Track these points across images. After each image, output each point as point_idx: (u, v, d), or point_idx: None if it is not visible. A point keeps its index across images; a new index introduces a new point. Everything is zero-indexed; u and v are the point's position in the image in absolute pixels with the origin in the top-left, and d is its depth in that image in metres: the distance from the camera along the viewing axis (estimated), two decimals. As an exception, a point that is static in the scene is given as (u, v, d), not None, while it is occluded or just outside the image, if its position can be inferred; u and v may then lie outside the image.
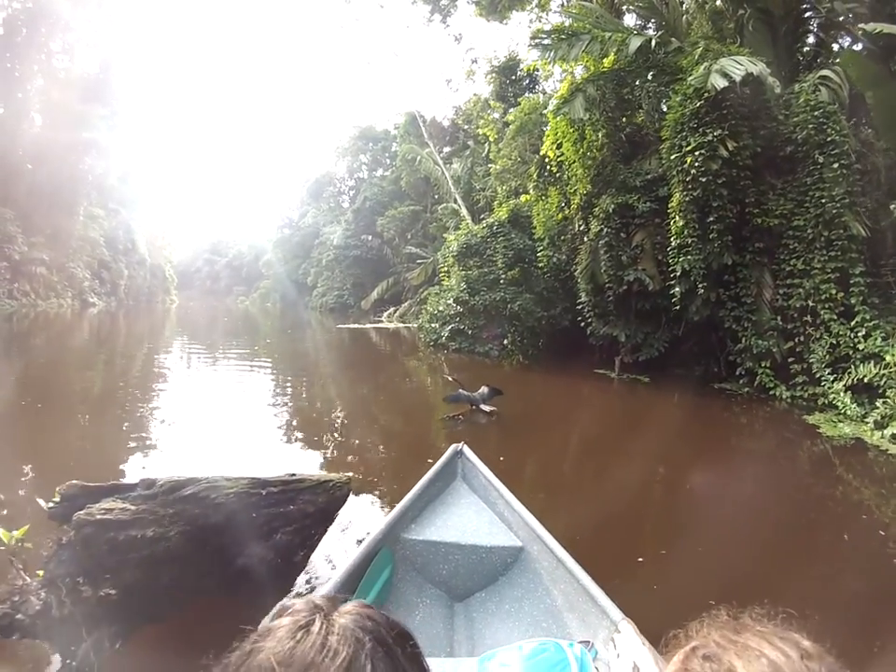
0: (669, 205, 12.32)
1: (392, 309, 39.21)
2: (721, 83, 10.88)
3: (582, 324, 15.02)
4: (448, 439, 7.56)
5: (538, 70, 24.03)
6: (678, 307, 12.46)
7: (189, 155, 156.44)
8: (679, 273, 12.05)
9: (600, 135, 14.54)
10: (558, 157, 15.25)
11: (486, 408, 9.46)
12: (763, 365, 11.71)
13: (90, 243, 43.53)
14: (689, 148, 11.57)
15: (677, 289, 12.23)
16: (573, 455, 8.64)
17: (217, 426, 8.67)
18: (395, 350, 23.71)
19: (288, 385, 13.61)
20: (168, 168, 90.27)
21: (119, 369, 15.12)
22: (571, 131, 14.56)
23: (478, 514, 3.69)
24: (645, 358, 13.96)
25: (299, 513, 4.14)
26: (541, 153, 16.08)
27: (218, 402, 10.76)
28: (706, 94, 11.44)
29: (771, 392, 11.55)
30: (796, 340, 11.36)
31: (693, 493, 6.43)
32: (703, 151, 11.37)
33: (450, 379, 11.03)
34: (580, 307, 15.04)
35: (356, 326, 33.28)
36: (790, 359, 11.43)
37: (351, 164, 62.00)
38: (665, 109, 13.72)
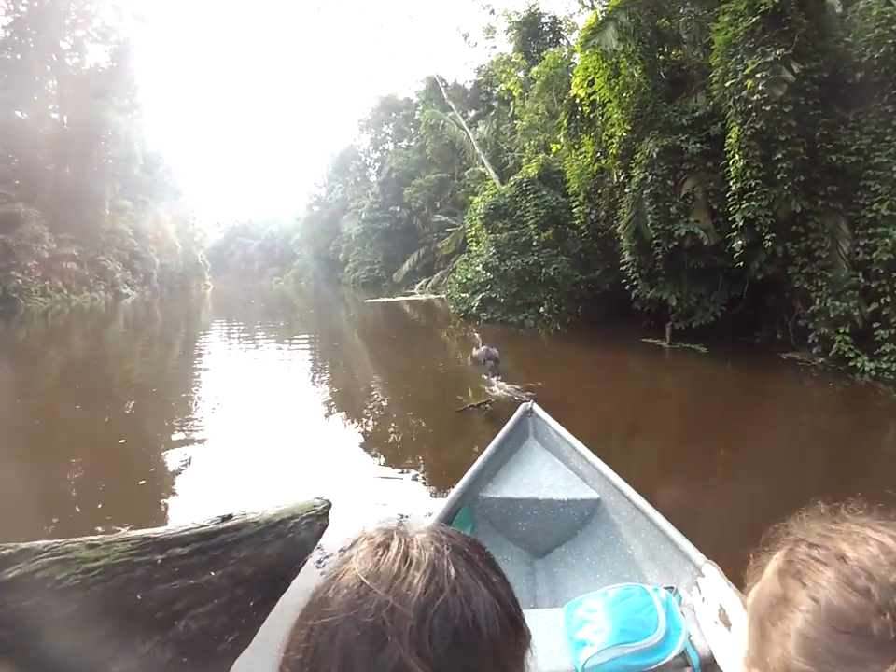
0: (726, 143, 10.59)
1: (424, 280, 38.90)
2: (779, -7, 9.20)
3: (627, 287, 13.23)
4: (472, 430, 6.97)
5: (560, 23, 22.78)
6: (739, 264, 10.72)
7: (213, 140, 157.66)
8: (740, 224, 10.32)
9: (637, 71, 12.78)
10: (590, 96, 13.52)
11: (504, 385, 8.13)
12: (840, 331, 9.79)
13: (119, 235, 44.12)
14: (747, 72, 9.81)
15: (738, 243, 10.47)
16: (625, 449, 7.10)
17: (250, 406, 8.68)
18: (426, 323, 22.71)
19: (313, 367, 12.87)
20: (194, 154, 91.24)
21: (154, 357, 15.16)
22: (604, 65, 12.83)
23: (553, 470, 3.65)
24: (699, 324, 12.23)
25: (227, 581, 2.96)
26: (571, 94, 14.40)
27: (251, 384, 10.57)
28: (761, 8, 9.75)
29: (851, 363, 9.65)
30: (882, 301, 9.48)
31: (768, 488, 5.04)
32: (765, 73, 9.60)
33: (477, 335, 9.87)
34: (623, 268, 13.27)
35: (386, 300, 32.41)
36: (874, 324, 9.55)
37: (375, 136, 62.14)
38: (710, 37, 11.95)
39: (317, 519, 3.64)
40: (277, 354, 14.45)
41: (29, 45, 37.68)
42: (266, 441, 6.77)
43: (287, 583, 3.25)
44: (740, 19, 10.15)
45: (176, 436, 7.01)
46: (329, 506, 3.83)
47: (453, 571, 0.59)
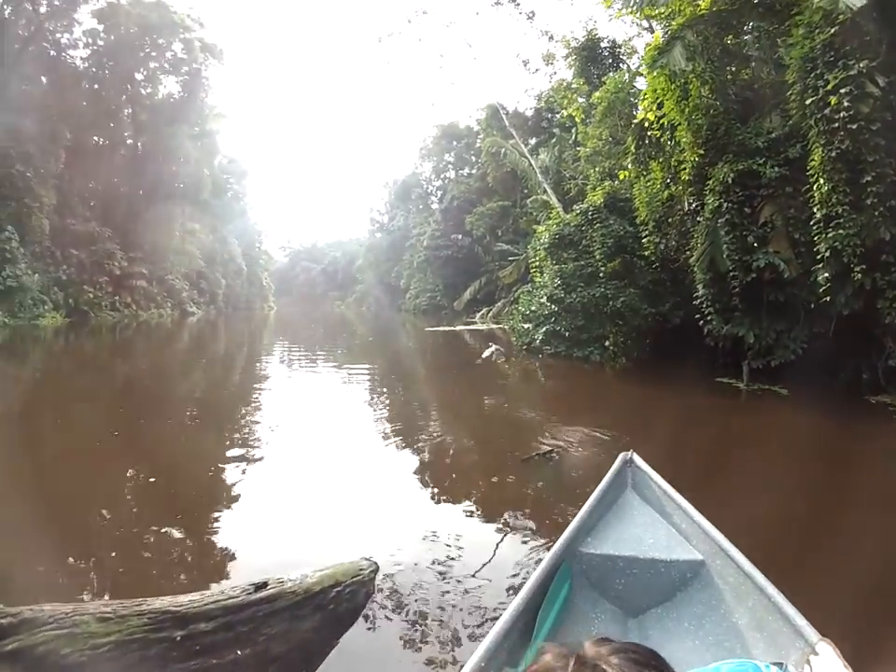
0: (808, 166, 9.85)
1: (485, 309, 38.99)
2: (857, 2, 8.61)
3: (701, 322, 12.38)
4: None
5: (619, 47, 22.36)
6: (825, 298, 9.85)
7: (280, 168, 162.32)
8: (826, 254, 9.49)
9: (706, 91, 12.20)
10: (659, 119, 12.88)
11: None
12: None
13: (187, 255, 47.15)
14: (829, 88, 9.12)
15: (824, 275, 9.63)
16: (711, 506, 6.34)
17: (301, 438, 8.46)
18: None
19: (369, 401, 12.35)
20: (261, 180, 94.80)
21: (211, 378, 15.53)
22: (673, 87, 12.24)
23: (653, 526, 3.44)
24: (778, 363, 11.33)
25: (254, 661, 2.69)
26: (638, 118, 13.85)
27: (304, 414, 10.27)
28: (839, 18, 9.07)
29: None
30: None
31: (879, 556, 4.42)
32: (849, 88, 8.91)
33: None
34: (696, 302, 12.48)
35: (446, 328, 32.04)
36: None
37: (436, 164, 63.65)
38: (782, 51, 11.39)
39: (362, 586, 3.31)
40: (333, 383, 14.21)
41: (106, 75, 41.06)
42: (315, 479, 6.40)
43: (321, 660, 2.94)
44: (816, 31, 9.51)
45: (217, 471, 6.63)
46: (377, 570, 3.50)
47: None
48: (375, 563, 3.55)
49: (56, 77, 36.69)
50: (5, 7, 31.88)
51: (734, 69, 13.13)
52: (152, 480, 6.43)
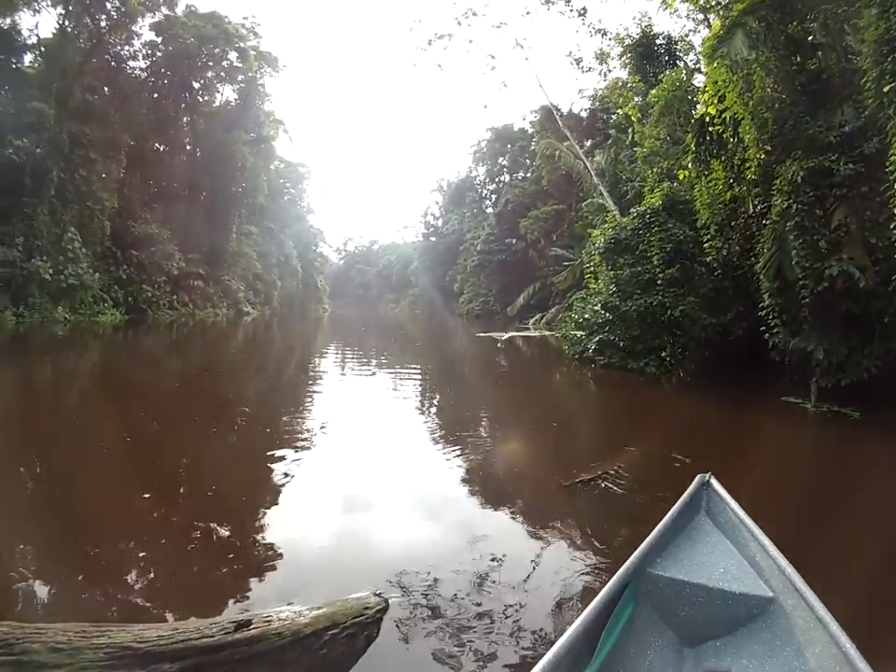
0: (887, 162, 8.93)
1: (539, 315, 38.60)
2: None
3: (766, 335, 11.52)
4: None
5: (675, 43, 21.58)
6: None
7: (335, 172, 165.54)
8: (907, 261, 8.60)
9: (770, 82, 11.45)
10: (721, 113, 12.12)
11: None
12: None
13: (244, 257, 49.18)
14: (910, 72, 8.28)
15: (906, 285, 8.72)
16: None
17: (339, 447, 8.17)
18: (539, 363, 21.73)
19: (408, 412, 11.49)
20: (317, 184, 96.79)
21: (259, 379, 15.81)
22: (735, 78, 11.49)
23: (725, 555, 3.25)
24: (848, 382, 10.39)
25: None
26: (698, 113, 13.15)
27: (343, 421, 9.83)
28: None
29: None
30: None
31: None
32: (933, 72, 8.08)
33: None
34: (761, 312, 11.61)
35: (498, 335, 31.45)
36: None
37: (490, 168, 64.18)
38: (850, 38, 10.85)
39: (363, 629, 2.83)
40: (379, 387, 14.11)
41: (165, 85, 43.01)
42: (355, 485, 6.36)
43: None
44: (892, 10, 8.67)
45: (260, 469, 6.55)
46: (385, 609, 3.01)
47: None
48: (385, 600, 3.08)
49: (117, 87, 38.27)
50: (67, 22, 33.03)
51: (799, 58, 12.28)
52: (146, 495, 6.06)
